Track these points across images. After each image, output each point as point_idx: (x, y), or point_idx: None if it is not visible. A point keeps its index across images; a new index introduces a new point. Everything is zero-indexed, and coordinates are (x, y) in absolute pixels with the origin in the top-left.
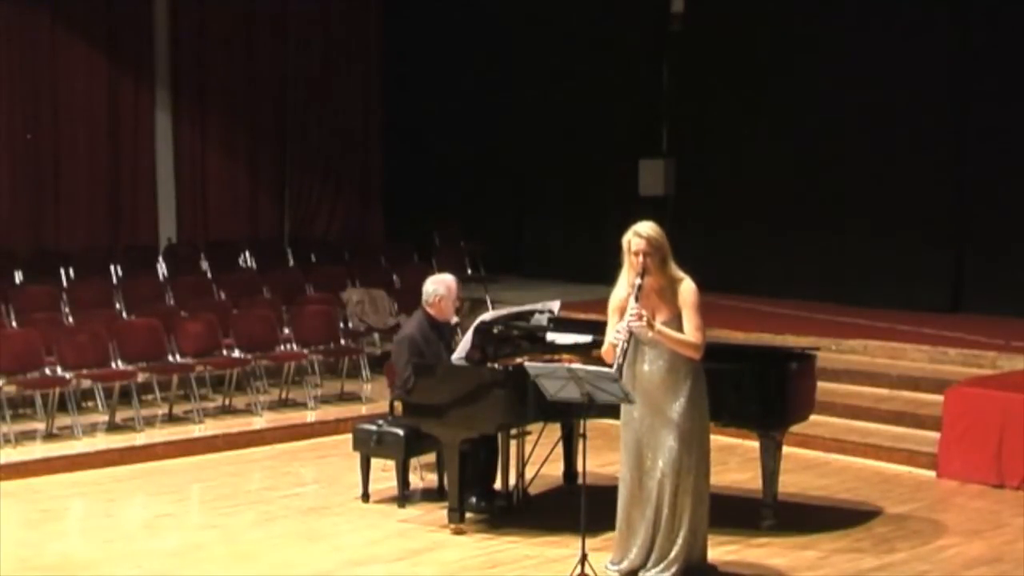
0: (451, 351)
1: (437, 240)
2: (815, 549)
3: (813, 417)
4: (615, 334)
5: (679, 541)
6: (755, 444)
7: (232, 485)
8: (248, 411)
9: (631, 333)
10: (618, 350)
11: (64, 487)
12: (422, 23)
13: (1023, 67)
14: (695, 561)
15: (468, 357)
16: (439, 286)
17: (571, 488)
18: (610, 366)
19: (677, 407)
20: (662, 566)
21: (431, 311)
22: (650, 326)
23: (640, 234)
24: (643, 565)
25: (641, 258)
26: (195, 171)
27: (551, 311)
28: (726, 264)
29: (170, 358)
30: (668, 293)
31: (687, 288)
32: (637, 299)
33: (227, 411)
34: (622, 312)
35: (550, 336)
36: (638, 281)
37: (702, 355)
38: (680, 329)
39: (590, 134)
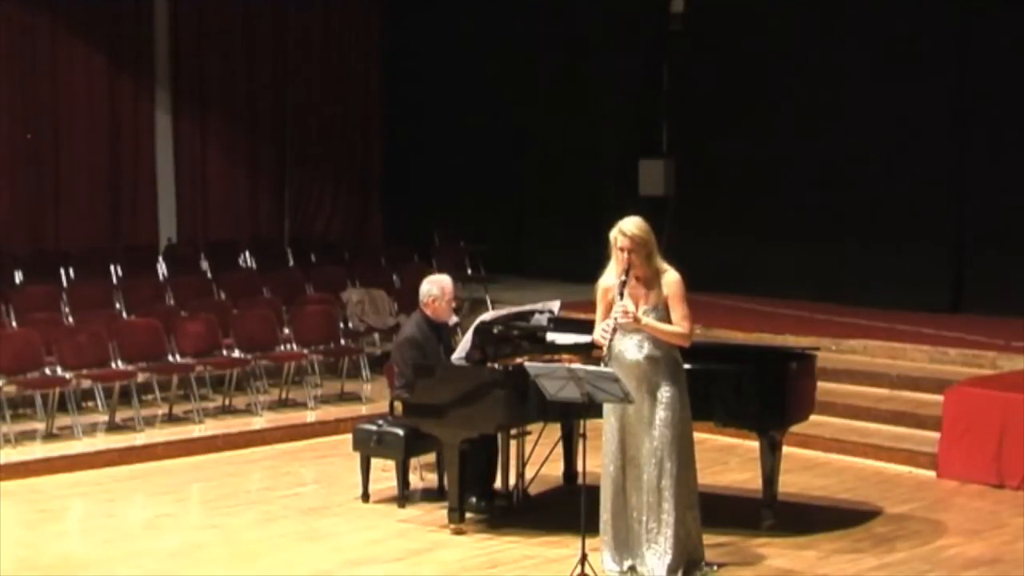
0: (450, 351)
1: (437, 240)
2: (815, 549)
3: (813, 417)
4: (601, 332)
5: (665, 528)
6: (755, 444)
7: (232, 485)
8: (248, 411)
9: (615, 330)
10: (606, 348)
11: (64, 487)
12: (422, 23)
13: (1023, 68)
14: (694, 559)
15: (468, 357)
16: (433, 287)
17: (571, 488)
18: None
19: (660, 396)
20: (655, 556)
21: (427, 311)
22: (637, 321)
23: (625, 232)
24: (639, 557)
25: (626, 255)
26: (195, 171)
27: (551, 311)
28: (726, 264)
29: (170, 358)
30: (654, 283)
31: (672, 279)
32: (623, 295)
33: (227, 411)
34: (607, 302)
35: (550, 336)
36: (623, 278)
37: (688, 344)
38: (666, 317)
39: (590, 134)
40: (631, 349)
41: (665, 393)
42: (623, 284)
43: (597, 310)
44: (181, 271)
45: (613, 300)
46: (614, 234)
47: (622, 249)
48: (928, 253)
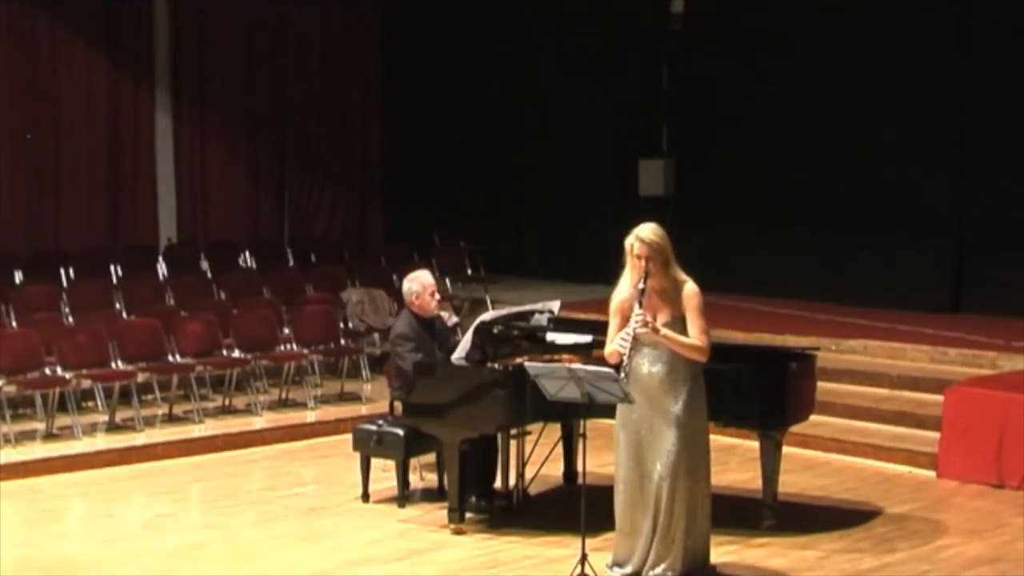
0: (445, 346)
1: (437, 240)
2: (815, 549)
3: (813, 417)
4: (620, 342)
5: (676, 546)
6: (755, 444)
7: (232, 485)
8: (248, 411)
9: (635, 340)
10: (624, 359)
11: (64, 487)
12: (422, 23)
13: (1023, 67)
14: (697, 565)
15: (468, 357)
16: (413, 284)
17: (571, 488)
18: (614, 370)
19: (677, 409)
20: (660, 569)
21: (414, 309)
22: (655, 331)
23: (642, 239)
24: (646, 565)
25: (643, 263)
26: (195, 171)
27: (551, 311)
28: (726, 264)
29: (170, 358)
30: (671, 294)
31: (690, 291)
32: (641, 304)
33: (227, 411)
34: (623, 314)
35: (550, 336)
36: (641, 286)
37: (705, 359)
38: (683, 329)
39: (590, 134)
40: (645, 362)
41: (679, 408)
42: (641, 292)
43: (610, 324)
44: (181, 271)
45: (630, 311)
46: (630, 241)
47: (639, 257)
48: (928, 253)
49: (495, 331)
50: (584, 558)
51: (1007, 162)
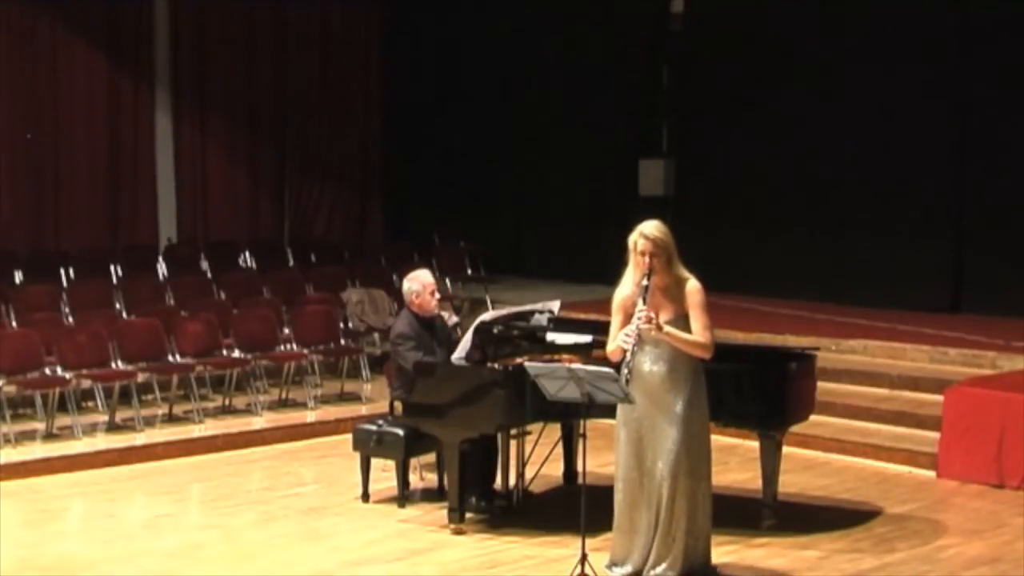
0: (445, 345)
1: (437, 240)
2: (815, 549)
3: (813, 417)
4: (624, 338)
5: (676, 545)
6: (755, 444)
7: (232, 485)
8: (248, 411)
9: (639, 336)
10: (628, 355)
11: (64, 487)
12: (422, 23)
13: (1023, 67)
14: (698, 564)
15: (468, 357)
16: (413, 283)
17: (571, 488)
18: (616, 367)
19: (678, 408)
20: (661, 569)
21: (414, 308)
22: (658, 327)
23: (646, 235)
24: (644, 567)
25: (647, 259)
26: (195, 171)
27: (551, 311)
28: (726, 264)
29: (170, 358)
30: (674, 292)
31: (693, 288)
32: (645, 300)
33: (227, 411)
34: (626, 312)
35: (550, 336)
36: (645, 282)
37: (710, 355)
38: (686, 327)
39: (590, 134)
40: (647, 361)
41: (681, 407)
42: (645, 289)
43: (613, 321)
44: (181, 271)
45: (633, 308)
46: (634, 238)
47: (643, 253)
48: (928, 253)
49: (495, 331)
50: (584, 558)
51: (1007, 162)
